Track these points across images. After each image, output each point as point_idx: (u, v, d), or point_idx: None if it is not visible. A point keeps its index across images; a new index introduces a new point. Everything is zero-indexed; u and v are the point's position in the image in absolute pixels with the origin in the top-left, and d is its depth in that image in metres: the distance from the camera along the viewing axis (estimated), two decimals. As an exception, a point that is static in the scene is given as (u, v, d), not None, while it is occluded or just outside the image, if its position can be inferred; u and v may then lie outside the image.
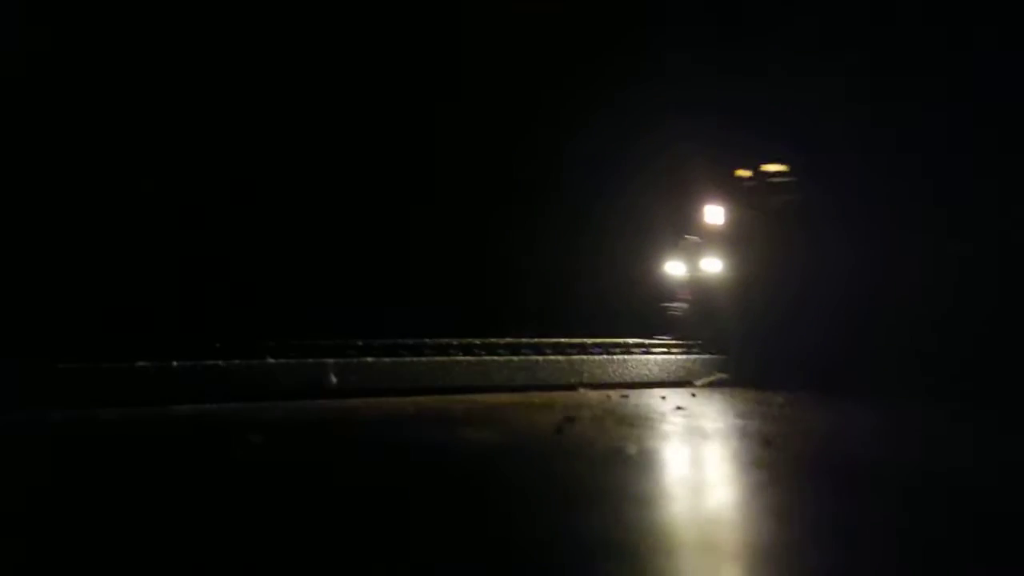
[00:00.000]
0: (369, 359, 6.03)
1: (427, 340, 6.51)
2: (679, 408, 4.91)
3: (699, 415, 4.69)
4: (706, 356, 7.14)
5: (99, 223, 8.02)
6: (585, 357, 6.88)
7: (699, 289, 7.79)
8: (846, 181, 7.12)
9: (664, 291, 8.31)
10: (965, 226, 6.03)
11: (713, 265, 7.67)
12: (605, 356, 6.93)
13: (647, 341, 7.31)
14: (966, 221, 6.02)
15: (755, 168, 8.12)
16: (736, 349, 7.03)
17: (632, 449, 3.09)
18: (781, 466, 2.93)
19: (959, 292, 5.87)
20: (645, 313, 8.43)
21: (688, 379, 6.89)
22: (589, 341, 7.03)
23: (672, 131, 9.17)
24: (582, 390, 6.33)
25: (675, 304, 8.04)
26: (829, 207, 7.11)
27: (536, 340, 6.99)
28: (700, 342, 7.32)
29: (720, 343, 7.23)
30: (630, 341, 7.11)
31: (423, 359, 6.19)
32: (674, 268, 8.26)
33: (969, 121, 6.46)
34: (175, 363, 5.46)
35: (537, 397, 5.84)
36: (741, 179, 8.15)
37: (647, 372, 6.82)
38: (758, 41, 8.18)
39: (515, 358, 6.55)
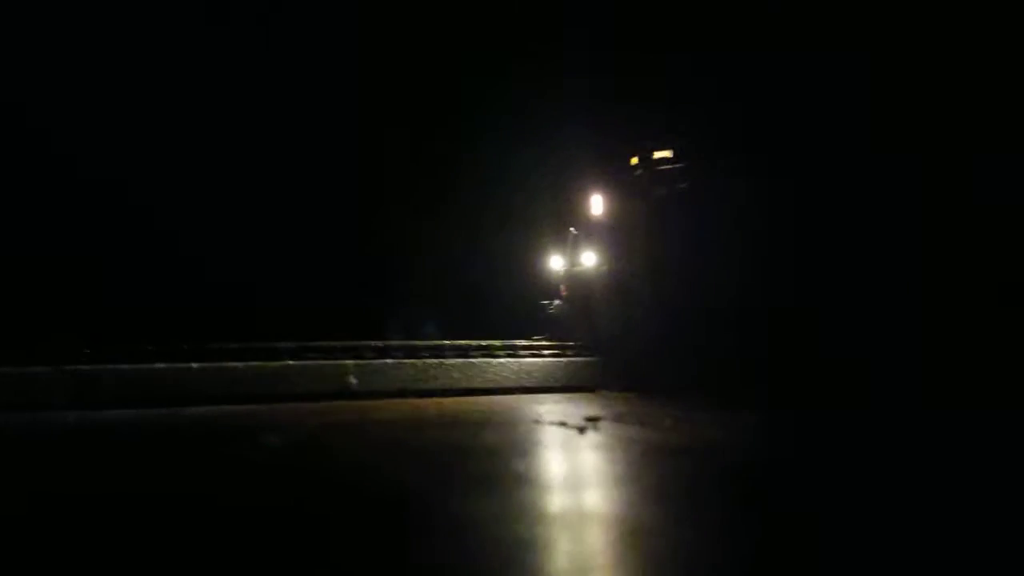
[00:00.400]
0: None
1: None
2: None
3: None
4: (577, 359, 6.52)
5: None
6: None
7: (577, 285, 7.20)
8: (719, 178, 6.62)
9: (545, 288, 7.73)
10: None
11: (590, 259, 7.08)
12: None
13: (518, 343, 6.69)
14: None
15: (644, 155, 7.58)
16: (605, 352, 6.42)
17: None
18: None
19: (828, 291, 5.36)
20: (529, 312, 7.88)
21: (550, 384, 6.26)
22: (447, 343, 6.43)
23: (564, 122, 8.70)
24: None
25: (553, 302, 7.45)
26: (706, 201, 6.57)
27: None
28: (573, 344, 6.71)
29: (594, 344, 6.62)
30: (496, 343, 6.49)
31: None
32: (556, 263, 7.67)
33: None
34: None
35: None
36: (629, 167, 7.61)
37: (504, 377, 6.19)
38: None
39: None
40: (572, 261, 7.30)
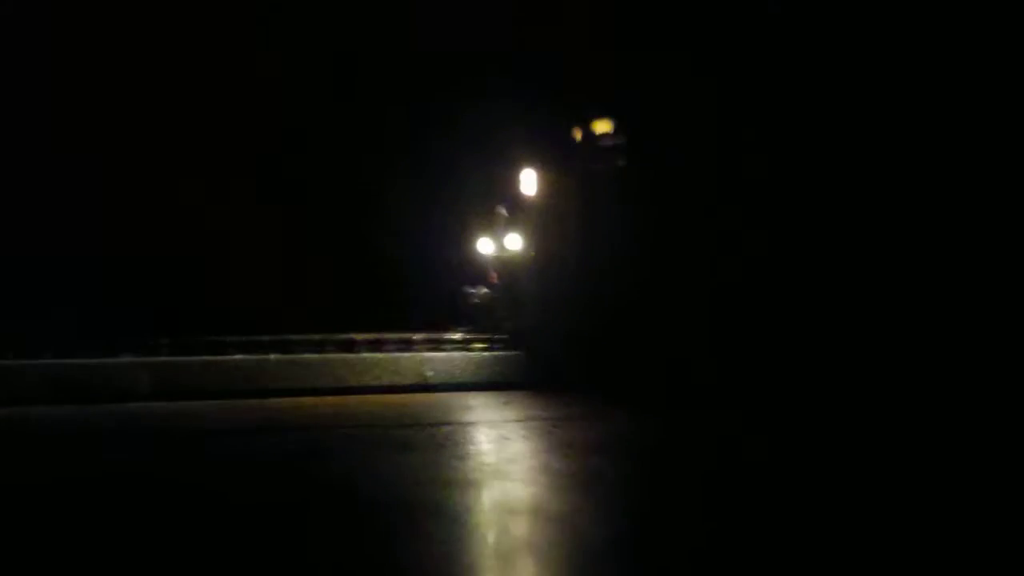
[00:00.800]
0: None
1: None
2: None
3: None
4: (497, 354, 5.81)
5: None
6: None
7: (504, 271, 6.48)
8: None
9: (471, 274, 7.01)
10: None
11: (516, 242, 6.35)
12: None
13: (434, 336, 5.98)
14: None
15: (585, 127, 6.85)
16: (529, 345, 5.72)
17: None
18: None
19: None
20: (451, 300, 7.16)
21: (470, 380, 5.56)
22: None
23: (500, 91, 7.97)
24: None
25: (477, 290, 6.73)
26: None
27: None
28: (496, 336, 6.00)
29: (519, 337, 5.92)
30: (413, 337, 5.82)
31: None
32: (484, 247, 6.94)
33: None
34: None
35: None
36: (568, 141, 6.88)
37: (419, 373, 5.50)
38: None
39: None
40: (500, 245, 6.58)
